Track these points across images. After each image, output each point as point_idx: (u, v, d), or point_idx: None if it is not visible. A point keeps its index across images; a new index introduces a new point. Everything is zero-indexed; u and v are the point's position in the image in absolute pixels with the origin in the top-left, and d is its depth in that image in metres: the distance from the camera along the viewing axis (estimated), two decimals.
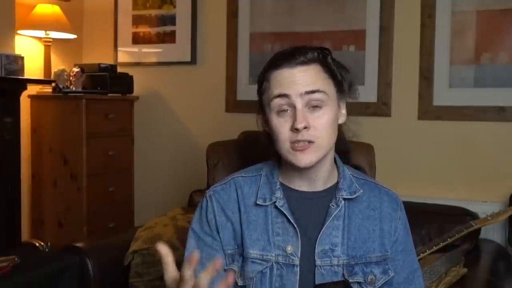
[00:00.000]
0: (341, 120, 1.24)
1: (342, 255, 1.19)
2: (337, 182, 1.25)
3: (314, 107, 1.15)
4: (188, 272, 0.88)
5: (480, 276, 1.96)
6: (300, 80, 1.15)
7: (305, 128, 1.13)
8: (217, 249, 1.23)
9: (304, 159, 1.15)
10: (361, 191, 1.24)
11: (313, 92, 1.15)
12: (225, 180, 1.29)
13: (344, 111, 1.24)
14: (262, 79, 1.22)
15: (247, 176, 1.28)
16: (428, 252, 2.01)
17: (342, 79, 1.22)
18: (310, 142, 1.15)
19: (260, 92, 1.23)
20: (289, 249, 1.18)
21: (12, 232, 2.62)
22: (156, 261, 2.07)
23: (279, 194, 1.22)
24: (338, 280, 1.18)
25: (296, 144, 1.15)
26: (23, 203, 2.79)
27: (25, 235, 2.91)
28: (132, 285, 2.08)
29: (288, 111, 1.16)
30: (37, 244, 2.32)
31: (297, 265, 1.18)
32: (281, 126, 1.16)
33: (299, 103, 1.14)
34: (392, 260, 1.24)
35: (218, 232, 1.23)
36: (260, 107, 1.25)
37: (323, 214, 1.21)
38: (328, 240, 1.20)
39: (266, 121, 1.22)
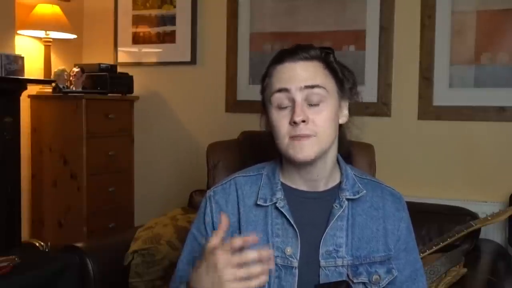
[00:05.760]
0: (342, 120, 1.24)
1: (347, 256, 1.19)
2: (340, 182, 1.25)
3: (314, 104, 1.16)
4: (216, 240, 0.96)
5: (480, 276, 1.96)
6: (301, 75, 1.16)
7: (303, 121, 1.13)
8: None
9: (302, 150, 1.15)
10: (364, 191, 1.24)
11: (312, 87, 1.15)
12: (226, 180, 1.29)
13: (346, 111, 1.24)
14: (265, 76, 1.23)
15: (248, 176, 1.28)
16: (428, 252, 2.01)
17: (343, 78, 1.22)
18: (309, 136, 1.15)
19: (263, 88, 1.24)
20: (288, 250, 1.18)
21: (12, 232, 2.62)
22: (156, 261, 2.07)
23: (280, 194, 1.22)
24: (339, 280, 1.18)
25: (295, 140, 1.15)
26: (23, 203, 2.79)
27: (25, 235, 2.91)
28: (132, 285, 2.08)
29: (288, 107, 1.16)
30: (37, 244, 2.32)
31: (295, 267, 1.18)
32: (281, 121, 1.17)
33: (298, 97, 1.15)
34: (394, 259, 1.24)
35: None
36: (263, 104, 1.25)
37: (326, 215, 1.21)
38: (332, 241, 1.19)
39: (267, 118, 1.22)
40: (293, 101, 1.15)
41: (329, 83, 1.19)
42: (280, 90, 1.17)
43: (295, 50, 1.19)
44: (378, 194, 1.26)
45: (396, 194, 1.29)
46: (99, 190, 2.99)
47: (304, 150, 1.15)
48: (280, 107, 1.17)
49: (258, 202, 1.22)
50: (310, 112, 1.15)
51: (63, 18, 3.03)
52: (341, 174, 1.26)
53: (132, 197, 3.29)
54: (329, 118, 1.17)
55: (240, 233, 1.21)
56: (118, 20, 3.31)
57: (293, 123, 1.14)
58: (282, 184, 1.24)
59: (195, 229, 1.27)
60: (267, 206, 1.22)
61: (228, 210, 1.24)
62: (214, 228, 1.23)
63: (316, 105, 1.16)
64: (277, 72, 1.19)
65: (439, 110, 2.61)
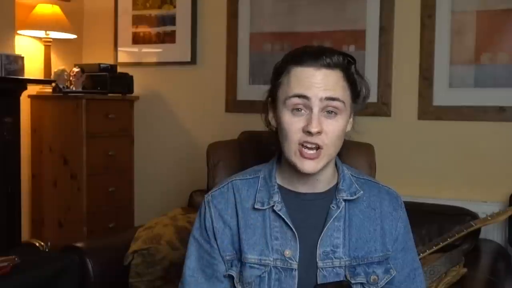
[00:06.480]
0: (348, 128, 1.24)
1: (344, 256, 1.19)
2: (337, 183, 1.25)
3: (330, 112, 1.15)
4: None
5: (480, 276, 1.96)
6: (322, 84, 1.14)
7: (318, 132, 1.13)
8: (215, 256, 1.23)
9: (309, 165, 1.15)
10: (362, 192, 1.24)
11: (333, 99, 1.14)
12: (223, 183, 1.28)
13: (351, 119, 1.24)
14: (281, 70, 1.20)
15: (245, 179, 1.27)
16: (428, 252, 2.01)
17: (360, 90, 1.22)
18: (318, 148, 1.14)
19: (276, 83, 1.20)
20: (288, 253, 1.18)
21: (12, 232, 2.62)
22: (156, 261, 2.07)
23: (277, 197, 1.21)
24: (339, 280, 1.18)
25: (304, 149, 1.14)
26: (23, 203, 2.79)
27: (25, 235, 2.91)
28: (132, 285, 2.08)
29: (303, 111, 1.15)
30: (37, 244, 2.31)
31: (295, 269, 1.18)
32: (293, 125, 1.15)
33: (317, 107, 1.13)
34: (392, 258, 1.24)
35: (216, 239, 1.23)
36: (271, 97, 1.23)
37: (324, 216, 1.21)
38: (329, 241, 1.19)
39: (275, 115, 1.21)
40: (310, 109, 1.14)
41: (347, 96, 1.18)
42: (298, 96, 1.14)
43: (319, 53, 1.15)
44: (375, 193, 1.26)
45: (393, 193, 1.29)
46: (99, 190, 2.99)
47: (311, 165, 1.15)
48: (295, 111, 1.15)
49: (256, 206, 1.22)
50: (325, 122, 1.14)
51: (63, 18, 3.03)
52: (338, 174, 1.27)
53: (132, 197, 3.29)
54: (341, 130, 1.17)
55: (239, 237, 1.21)
56: (118, 20, 3.31)
57: (307, 132, 1.13)
58: (279, 186, 1.24)
59: (198, 235, 1.26)
60: (265, 209, 1.21)
61: (227, 214, 1.24)
62: (214, 234, 1.23)
63: (332, 116, 1.15)
64: (297, 72, 1.16)
65: (439, 110, 2.60)
